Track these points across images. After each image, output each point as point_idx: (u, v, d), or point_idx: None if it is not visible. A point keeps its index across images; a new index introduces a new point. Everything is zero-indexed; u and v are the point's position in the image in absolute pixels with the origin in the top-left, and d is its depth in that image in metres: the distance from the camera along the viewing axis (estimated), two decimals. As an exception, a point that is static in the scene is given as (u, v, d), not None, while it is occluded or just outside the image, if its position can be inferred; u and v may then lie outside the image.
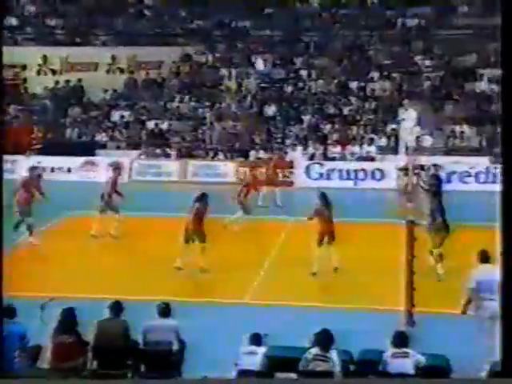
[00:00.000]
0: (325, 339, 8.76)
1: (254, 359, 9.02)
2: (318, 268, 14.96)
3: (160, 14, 33.62)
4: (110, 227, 17.57)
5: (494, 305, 10.54)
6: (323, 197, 15.32)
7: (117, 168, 18.64)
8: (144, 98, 30.68)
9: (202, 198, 15.53)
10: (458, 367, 9.93)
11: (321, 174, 26.20)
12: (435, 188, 15.41)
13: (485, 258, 10.92)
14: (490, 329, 10.65)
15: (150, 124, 29.33)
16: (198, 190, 16.25)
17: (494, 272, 10.68)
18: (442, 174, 25.16)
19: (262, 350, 9.15)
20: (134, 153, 27.85)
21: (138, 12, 34.12)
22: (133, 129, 29.40)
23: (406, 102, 27.73)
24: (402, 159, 24.65)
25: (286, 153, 27.35)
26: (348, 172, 25.90)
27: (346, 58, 30.93)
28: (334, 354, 8.72)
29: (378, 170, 25.72)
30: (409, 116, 26.52)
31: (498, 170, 25.21)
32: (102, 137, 29.15)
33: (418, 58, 30.25)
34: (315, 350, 8.74)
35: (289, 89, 30.30)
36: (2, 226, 7.83)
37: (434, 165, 23.67)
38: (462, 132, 27.13)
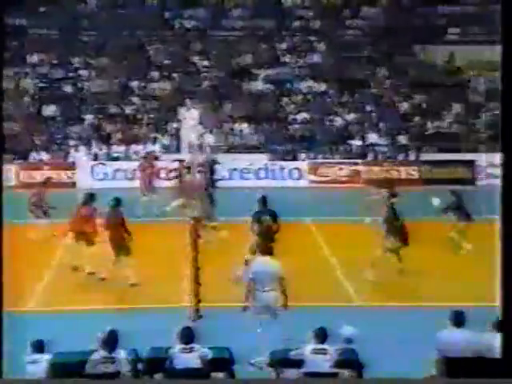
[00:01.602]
0: (110, 340, 8.79)
1: (39, 367, 8.83)
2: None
3: None
4: None
5: (268, 296, 11.13)
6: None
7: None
8: None
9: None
10: (241, 357, 10.41)
11: (105, 174, 26.02)
12: None
13: (266, 250, 11.45)
14: (267, 319, 11.21)
15: None
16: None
17: (270, 264, 11.28)
18: (224, 171, 26.10)
19: (46, 357, 8.98)
20: None
21: None
22: None
23: (186, 101, 28.25)
24: (184, 157, 25.07)
25: (68, 153, 26.86)
26: (133, 172, 25.88)
27: (126, 58, 30.89)
28: (120, 354, 8.78)
29: (163, 168, 25.96)
30: (190, 115, 27.01)
31: (275, 166, 26.51)
32: None
33: (196, 59, 30.91)
34: (101, 352, 8.75)
35: (68, 88, 29.70)
36: (2, 227, 7.11)
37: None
38: (241, 130, 28.14)
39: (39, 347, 9.01)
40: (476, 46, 30.63)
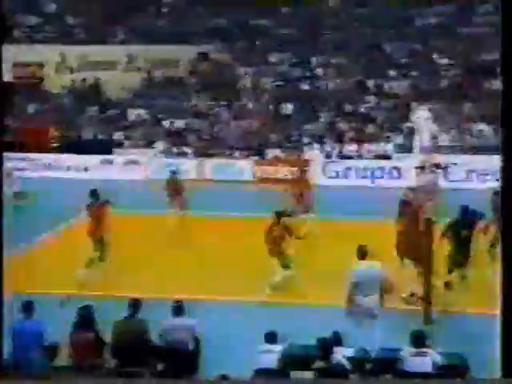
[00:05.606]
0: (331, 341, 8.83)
1: (272, 358, 8.99)
2: None
3: (177, 12, 33.64)
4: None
5: (368, 301, 10.54)
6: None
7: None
8: (161, 97, 30.68)
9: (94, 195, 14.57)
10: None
11: (337, 173, 26.16)
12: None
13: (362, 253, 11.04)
14: (367, 325, 10.63)
15: (166, 123, 29.35)
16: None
17: (372, 268, 10.77)
18: (462, 173, 25.14)
19: (278, 348, 9.12)
20: (151, 151, 27.81)
21: (155, 10, 34.16)
22: (149, 127, 29.43)
23: (421, 100, 27.64)
24: (417, 157, 24.53)
25: (301, 151, 27.37)
26: (365, 170, 25.82)
27: (364, 56, 30.89)
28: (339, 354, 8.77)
29: (395, 168, 25.61)
30: (423, 114, 26.39)
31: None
32: (118, 135, 29.16)
33: (435, 56, 30.12)
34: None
35: (305, 87, 30.27)
36: (1, 227, 7.80)
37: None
38: (480, 130, 26.94)
39: (272, 338, 9.17)
40: None
